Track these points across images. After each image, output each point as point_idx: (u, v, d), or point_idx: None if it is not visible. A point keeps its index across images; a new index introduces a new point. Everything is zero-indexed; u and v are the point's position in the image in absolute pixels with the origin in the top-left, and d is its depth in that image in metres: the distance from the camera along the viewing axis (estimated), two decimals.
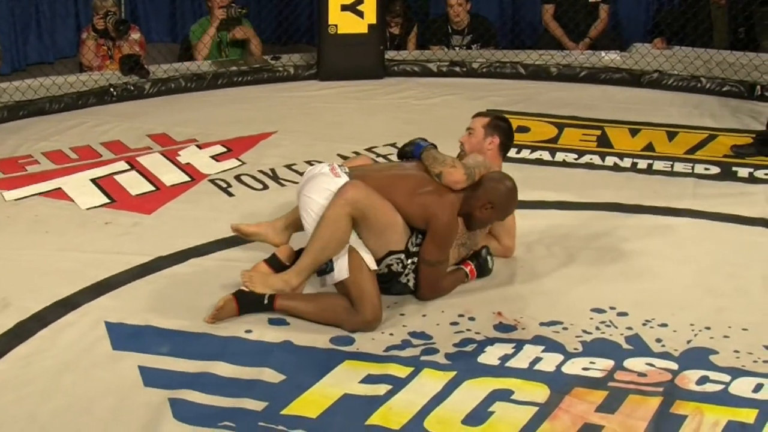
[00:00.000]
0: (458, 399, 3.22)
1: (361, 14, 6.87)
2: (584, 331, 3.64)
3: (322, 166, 3.88)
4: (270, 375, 3.34)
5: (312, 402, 3.20)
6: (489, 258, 4.03)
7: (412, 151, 3.95)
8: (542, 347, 3.53)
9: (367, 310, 3.62)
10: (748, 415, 3.14)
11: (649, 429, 3.08)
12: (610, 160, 5.45)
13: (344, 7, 6.84)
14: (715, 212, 4.72)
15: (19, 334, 3.59)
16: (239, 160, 5.42)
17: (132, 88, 6.59)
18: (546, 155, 5.51)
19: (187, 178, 5.16)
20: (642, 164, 5.39)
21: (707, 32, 7.27)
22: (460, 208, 3.77)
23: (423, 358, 3.46)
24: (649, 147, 5.68)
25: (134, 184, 5.06)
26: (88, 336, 3.59)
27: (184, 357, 3.44)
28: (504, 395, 3.23)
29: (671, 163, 5.41)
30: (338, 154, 5.40)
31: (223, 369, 3.37)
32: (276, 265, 3.87)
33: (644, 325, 3.68)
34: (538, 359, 3.45)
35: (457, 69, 7.15)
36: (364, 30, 6.90)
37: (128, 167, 5.29)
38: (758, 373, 3.37)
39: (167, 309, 3.78)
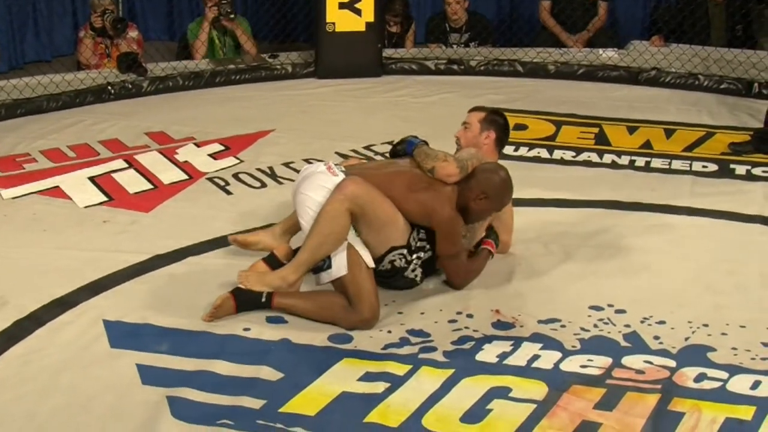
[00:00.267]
0: (456, 397, 3.22)
1: (358, 12, 6.86)
2: (582, 329, 3.64)
3: (318, 165, 3.88)
4: (268, 373, 3.34)
5: (310, 400, 3.20)
6: (495, 232, 4.08)
7: (404, 149, 3.97)
8: (540, 345, 3.53)
9: (365, 308, 3.62)
10: (746, 412, 3.15)
11: (647, 426, 3.08)
12: (608, 158, 5.45)
13: (342, 5, 6.84)
14: (713, 209, 4.72)
15: (16, 332, 3.59)
16: (237, 159, 5.41)
17: (130, 86, 6.58)
18: (544, 153, 5.51)
19: (185, 177, 5.16)
20: (640, 162, 5.39)
21: (705, 30, 7.27)
22: (457, 200, 3.77)
23: (421, 355, 3.46)
24: (647, 144, 5.68)
25: (132, 183, 5.05)
26: (87, 334, 3.59)
27: (183, 355, 3.44)
28: (502, 393, 3.24)
29: (669, 160, 5.41)
30: (336, 152, 5.40)
31: (221, 367, 3.37)
32: (274, 263, 3.87)
33: (642, 322, 3.69)
34: (536, 357, 3.45)
35: (455, 67, 7.15)
36: (362, 28, 6.90)
37: (126, 165, 5.28)
38: (756, 371, 3.37)
39: (165, 307, 3.78)
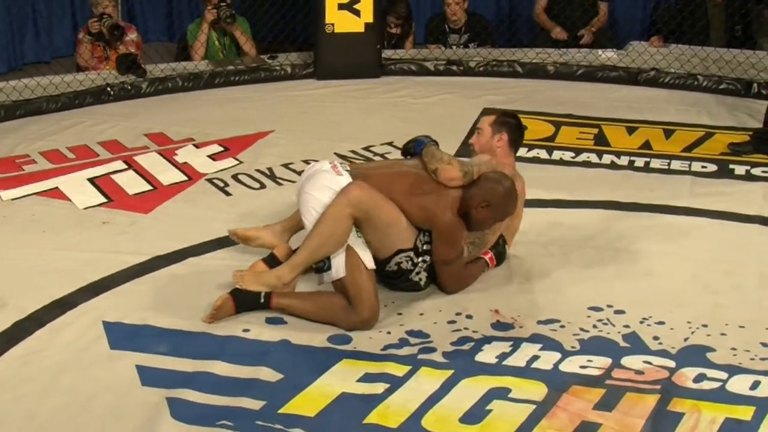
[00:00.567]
0: (456, 397, 3.22)
1: (357, 13, 6.86)
2: (581, 329, 3.64)
3: (323, 164, 3.87)
4: (268, 374, 3.35)
5: (310, 401, 3.20)
6: (504, 245, 4.06)
7: (414, 148, 3.96)
8: (539, 345, 3.53)
9: (365, 309, 3.62)
10: (745, 412, 3.15)
11: (647, 427, 3.08)
12: (607, 159, 5.45)
13: (341, 6, 6.84)
14: (712, 210, 4.72)
15: (16, 333, 3.59)
16: (236, 160, 5.41)
17: (129, 87, 6.58)
18: (543, 153, 5.51)
19: (185, 178, 5.16)
20: (639, 162, 5.40)
21: (704, 30, 7.27)
22: (459, 206, 3.77)
23: (420, 356, 3.46)
24: (646, 145, 5.68)
25: (131, 184, 5.05)
26: (86, 335, 3.59)
27: (182, 356, 3.44)
28: (501, 393, 3.24)
29: (668, 161, 5.41)
30: (335, 153, 5.40)
31: (220, 368, 3.37)
32: (273, 264, 3.87)
33: (641, 323, 3.69)
34: (535, 357, 3.45)
35: (454, 68, 7.15)
36: (361, 29, 6.90)
37: (125, 167, 5.28)
38: (755, 371, 3.37)
39: (165, 308, 3.78)
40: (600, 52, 7.28)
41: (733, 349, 3.51)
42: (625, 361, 3.44)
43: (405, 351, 3.50)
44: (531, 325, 3.67)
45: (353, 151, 5.47)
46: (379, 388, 3.26)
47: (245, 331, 3.61)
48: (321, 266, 3.71)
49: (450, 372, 3.35)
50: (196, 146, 5.61)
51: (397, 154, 5.36)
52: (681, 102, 6.53)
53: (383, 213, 3.67)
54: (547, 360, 3.44)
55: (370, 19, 6.90)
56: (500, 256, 4.05)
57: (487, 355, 3.47)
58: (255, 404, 3.17)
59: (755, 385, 3.29)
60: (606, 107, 6.37)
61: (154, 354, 3.45)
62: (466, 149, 5.14)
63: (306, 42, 7.42)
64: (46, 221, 4.60)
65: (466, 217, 3.79)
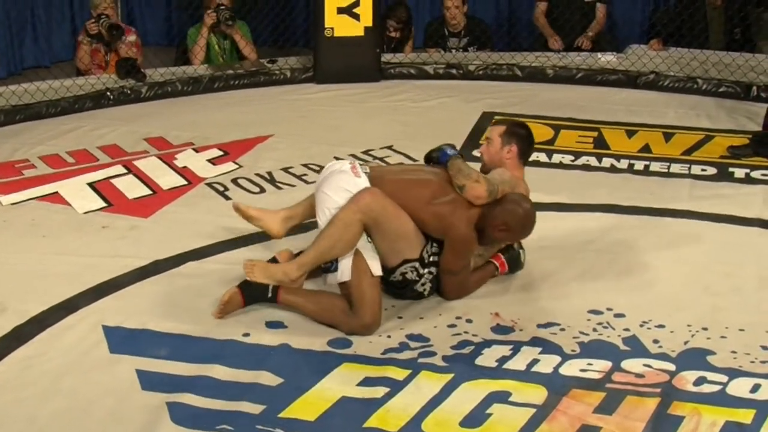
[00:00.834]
0: (456, 401, 3.22)
1: (357, 17, 6.87)
2: (581, 333, 3.64)
3: (343, 163, 3.85)
4: (268, 378, 3.34)
5: (310, 405, 3.20)
6: (521, 252, 4.02)
7: (438, 157, 3.89)
8: (540, 349, 3.53)
9: (366, 315, 3.61)
10: (746, 416, 3.14)
11: (647, 430, 3.08)
12: (606, 162, 5.45)
13: (340, 10, 6.84)
14: (711, 213, 4.72)
15: (17, 337, 3.59)
16: (236, 164, 5.41)
17: (129, 91, 6.59)
18: (543, 157, 5.50)
19: (184, 182, 5.16)
20: (639, 165, 5.40)
21: (703, 33, 7.27)
22: (477, 221, 3.76)
23: (420, 360, 3.46)
24: (646, 148, 5.68)
25: (131, 188, 5.05)
26: (86, 339, 3.59)
27: (182, 360, 3.44)
28: (502, 397, 3.24)
29: (668, 164, 5.41)
30: (335, 157, 5.39)
31: (220, 372, 3.37)
32: None
33: (641, 326, 3.69)
34: (535, 361, 3.45)
35: (454, 71, 7.15)
36: (360, 33, 6.90)
37: (125, 171, 5.28)
38: (755, 374, 3.37)
39: (165, 312, 3.78)
40: (599, 55, 7.29)
41: (734, 352, 3.51)
42: (626, 364, 3.44)
43: (405, 355, 3.50)
44: (531, 329, 3.67)
45: (353, 155, 5.46)
46: (380, 392, 3.26)
47: (245, 335, 3.60)
48: (328, 267, 3.73)
49: (450, 376, 3.35)
50: (196, 150, 5.61)
51: (396, 158, 5.38)
52: (680, 105, 6.54)
53: (393, 222, 3.66)
54: (547, 363, 3.44)
55: (369, 23, 6.90)
56: (514, 262, 4.01)
57: (487, 358, 3.47)
58: (255, 408, 3.17)
59: (755, 388, 3.29)
60: (605, 110, 6.37)
61: (154, 358, 3.45)
62: (466, 151, 5.15)
63: (305, 45, 7.42)
64: (45, 226, 4.60)
65: (481, 232, 3.78)
